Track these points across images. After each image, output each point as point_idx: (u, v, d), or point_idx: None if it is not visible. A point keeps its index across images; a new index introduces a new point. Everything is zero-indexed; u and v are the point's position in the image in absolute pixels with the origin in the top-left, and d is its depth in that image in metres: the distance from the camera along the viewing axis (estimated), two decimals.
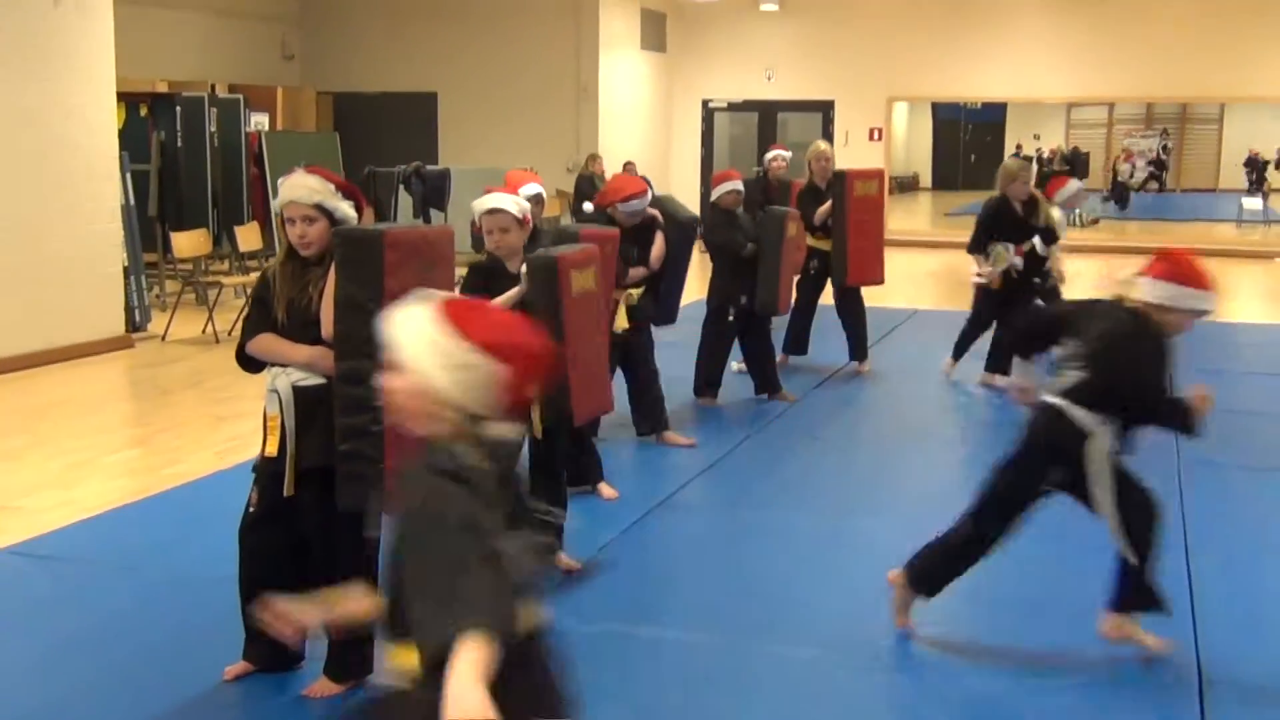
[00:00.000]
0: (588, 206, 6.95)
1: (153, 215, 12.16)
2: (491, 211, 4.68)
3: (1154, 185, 31.58)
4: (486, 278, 4.68)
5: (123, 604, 4.60)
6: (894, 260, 17.38)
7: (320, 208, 3.65)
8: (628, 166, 17.14)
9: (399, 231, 3.64)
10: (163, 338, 10.23)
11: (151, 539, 5.34)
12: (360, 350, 3.59)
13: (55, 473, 6.41)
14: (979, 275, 8.13)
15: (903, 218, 24.10)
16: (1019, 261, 8.02)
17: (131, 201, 10.57)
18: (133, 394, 8.80)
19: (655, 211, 6.59)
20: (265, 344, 3.75)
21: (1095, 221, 21.67)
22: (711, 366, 7.83)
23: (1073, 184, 9.56)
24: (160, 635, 4.32)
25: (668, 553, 5.35)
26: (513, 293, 4.60)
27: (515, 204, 4.69)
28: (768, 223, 7.52)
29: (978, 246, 8.15)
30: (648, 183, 7.29)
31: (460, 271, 4.54)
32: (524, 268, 4.60)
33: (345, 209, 3.69)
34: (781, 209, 7.67)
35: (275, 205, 3.72)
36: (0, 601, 4.67)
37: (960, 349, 8.57)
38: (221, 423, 7.41)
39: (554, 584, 4.71)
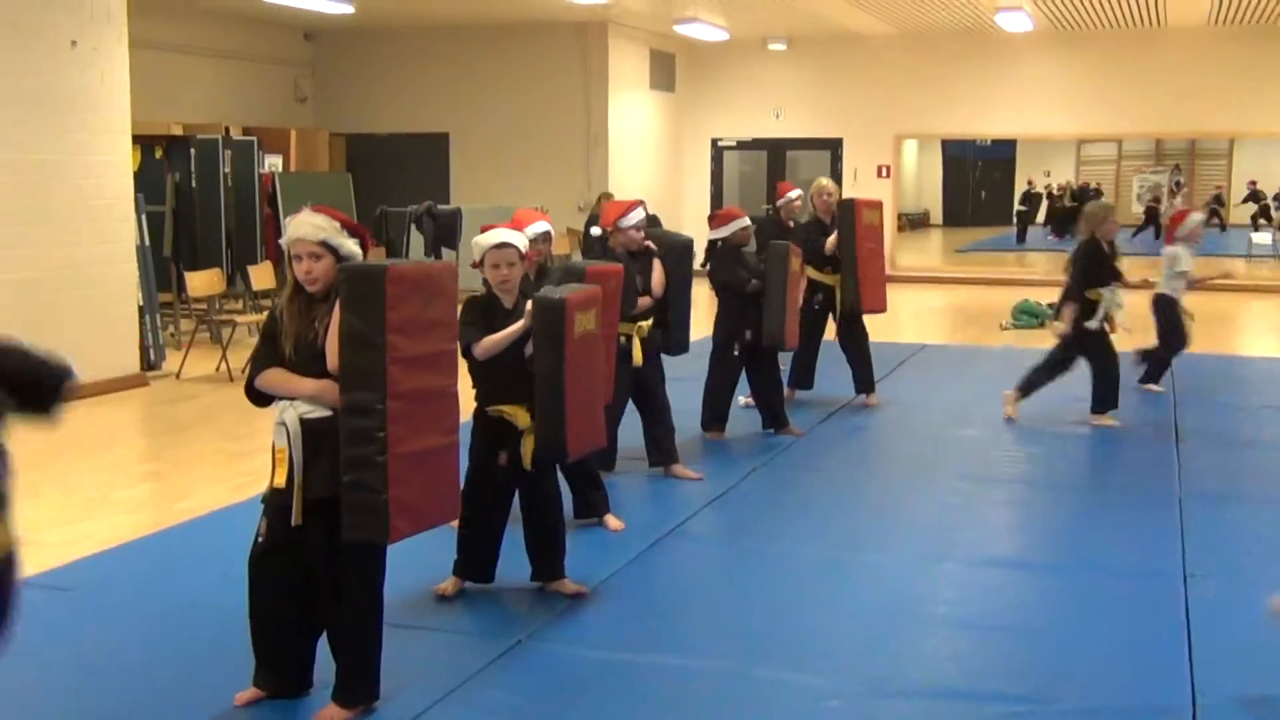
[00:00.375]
0: (595, 230, 7.04)
1: (168, 255, 12.32)
2: (499, 246, 4.78)
3: (1215, 222, 31.14)
4: (484, 313, 4.78)
5: (134, 633, 4.69)
6: (904, 296, 17.54)
7: (325, 245, 3.76)
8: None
9: (402, 267, 3.73)
10: (177, 375, 10.36)
11: (163, 570, 5.43)
12: (364, 383, 3.69)
13: (71, 508, 6.51)
14: (1090, 324, 7.98)
15: (914, 254, 24.19)
16: (1122, 301, 8.08)
17: (147, 242, 10.71)
18: (147, 431, 8.91)
19: (650, 243, 6.68)
20: (273, 378, 3.85)
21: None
22: (718, 401, 7.91)
23: (1194, 217, 9.58)
24: (171, 662, 4.40)
25: (673, 582, 5.41)
26: (514, 328, 4.70)
27: (520, 239, 4.81)
28: (771, 257, 7.61)
29: (1077, 293, 8.02)
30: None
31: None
32: (528, 305, 4.70)
33: (350, 246, 3.80)
34: (784, 243, 7.76)
35: (282, 242, 3.82)
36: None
37: (1110, 401, 8.36)
38: (235, 458, 7.50)
39: (559, 611, 4.81)
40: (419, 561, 4.99)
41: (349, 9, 15.04)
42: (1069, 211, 29.00)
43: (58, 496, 6.73)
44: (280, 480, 3.85)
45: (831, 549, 5.82)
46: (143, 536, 5.94)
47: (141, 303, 10.30)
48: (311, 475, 3.81)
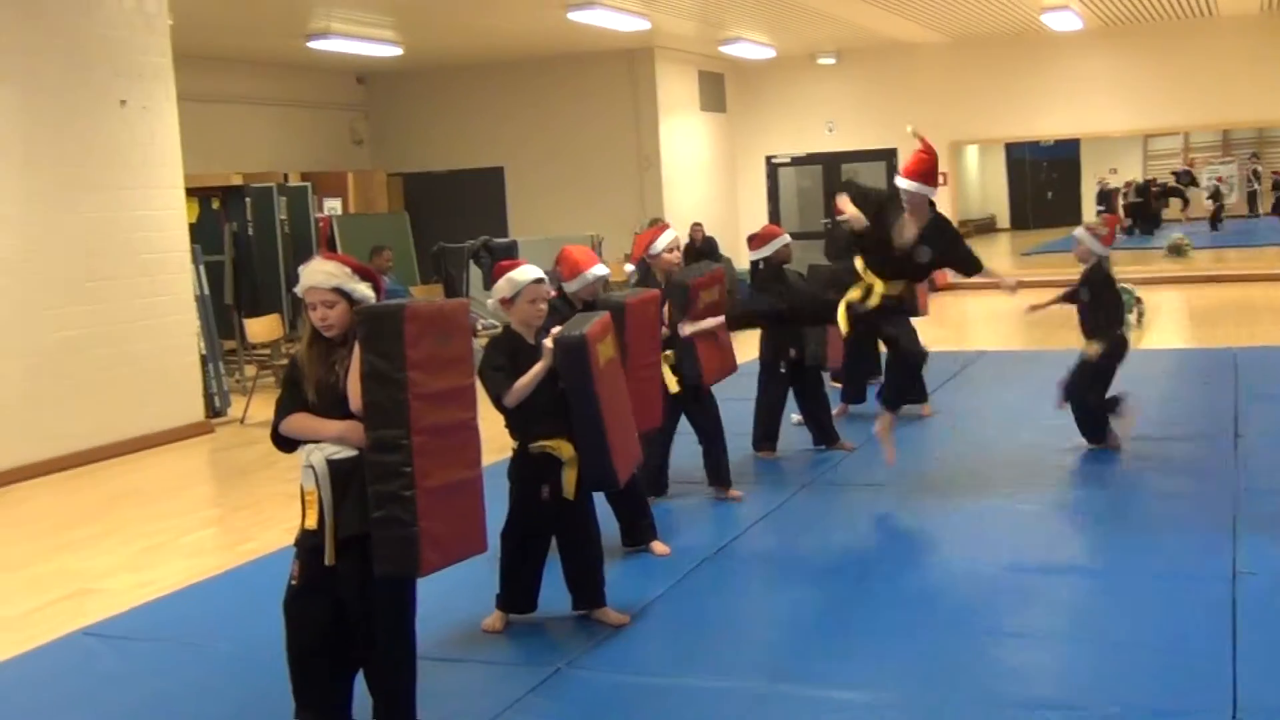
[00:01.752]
0: (629, 268, 7.10)
1: (229, 303, 12.55)
2: (538, 281, 4.87)
3: None
4: (511, 356, 4.84)
5: (187, 678, 4.79)
6: (969, 303, 17.41)
7: (339, 290, 3.85)
8: (695, 226, 17.37)
9: (416, 305, 3.81)
10: (241, 421, 10.56)
11: (218, 614, 5.54)
12: (388, 420, 3.76)
13: (134, 555, 6.67)
14: None
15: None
16: None
17: (206, 291, 10.96)
18: (211, 476, 9.09)
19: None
20: (297, 422, 3.94)
21: (1181, 251, 21.31)
22: (768, 420, 7.92)
23: None
24: (220, 706, 4.49)
25: (716, 604, 5.40)
26: (537, 370, 4.77)
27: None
28: (814, 278, 7.62)
29: None
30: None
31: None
32: (546, 341, 4.77)
33: (363, 290, 3.88)
34: (826, 265, 7.76)
35: (297, 291, 3.93)
36: (71, 680, 4.87)
37: None
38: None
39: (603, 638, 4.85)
40: (457, 595, 5.07)
41: (398, 51, 15.29)
42: (1137, 207, 28.78)
43: (121, 544, 6.90)
44: (311, 522, 3.94)
45: (878, 563, 5.80)
46: (200, 581, 6.07)
47: (204, 351, 10.52)
48: (341, 514, 3.89)
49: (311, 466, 3.91)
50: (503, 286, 4.87)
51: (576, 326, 4.80)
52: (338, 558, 3.91)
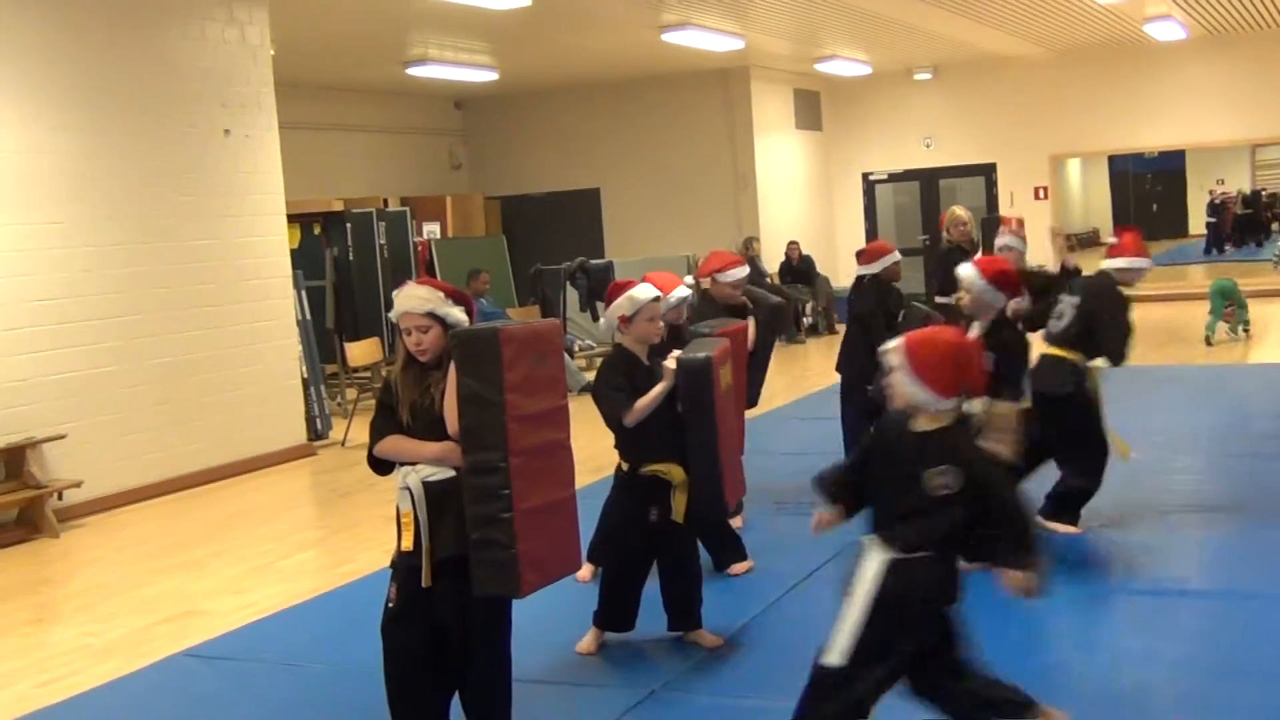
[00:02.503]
0: (687, 279, 7.06)
1: (330, 328, 12.73)
2: (656, 299, 4.89)
3: None
4: (628, 375, 4.84)
5: (284, 698, 4.84)
6: None
7: (432, 315, 3.89)
8: (791, 245, 17.32)
9: (512, 328, 3.82)
10: (343, 443, 10.69)
11: (316, 636, 5.60)
12: (486, 442, 3.77)
13: (237, 576, 6.78)
14: None
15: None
16: None
17: (308, 316, 11.13)
18: (313, 499, 9.21)
19: (745, 299, 6.65)
20: (394, 444, 3.96)
21: None
22: (857, 437, 7.82)
23: None
24: None
25: (809, 627, 5.29)
26: (659, 390, 4.77)
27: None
28: (909, 318, 7.46)
29: None
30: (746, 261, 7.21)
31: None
32: (666, 365, 4.77)
33: (456, 314, 3.91)
34: (925, 309, 7.60)
35: (391, 316, 3.97)
36: (170, 702, 4.95)
37: None
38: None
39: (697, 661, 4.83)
40: (550, 618, 5.07)
41: (494, 75, 15.45)
42: (1246, 218, 28.13)
43: (224, 566, 7.01)
44: (408, 544, 3.97)
45: (972, 582, 5.69)
46: (299, 603, 6.15)
47: (306, 375, 10.68)
48: (438, 536, 3.91)
49: (408, 488, 3.94)
50: (623, 304, 4.86)
51: (699, 350, 4.80)
52: (434, 579, 3.93)
